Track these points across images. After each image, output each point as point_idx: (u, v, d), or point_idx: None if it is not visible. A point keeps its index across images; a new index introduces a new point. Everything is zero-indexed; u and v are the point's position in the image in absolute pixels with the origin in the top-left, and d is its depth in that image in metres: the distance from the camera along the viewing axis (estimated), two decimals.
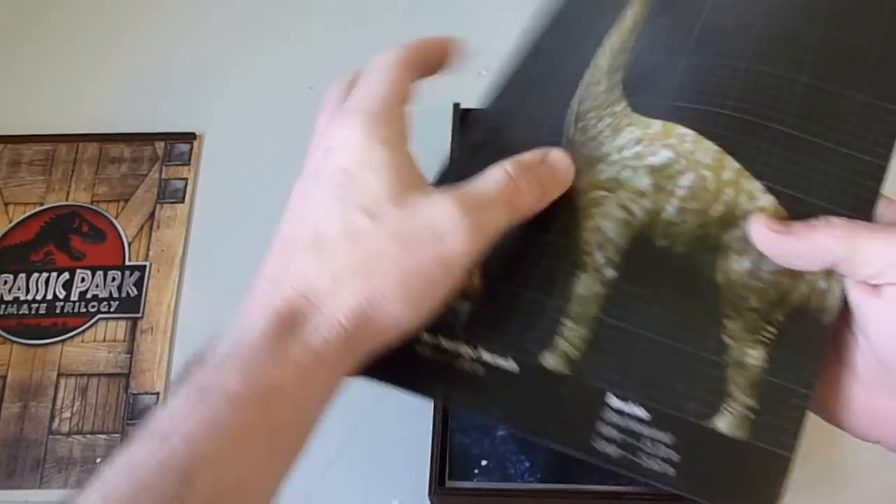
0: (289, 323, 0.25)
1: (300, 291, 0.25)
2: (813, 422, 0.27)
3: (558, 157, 0.29)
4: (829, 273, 0.27)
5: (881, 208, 0.28)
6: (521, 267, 0.30)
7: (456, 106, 0.56)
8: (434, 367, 0.29)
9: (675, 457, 0.27)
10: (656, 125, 0.31)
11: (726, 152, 0.29)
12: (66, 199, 0.63)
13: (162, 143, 0.65)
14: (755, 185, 0.29)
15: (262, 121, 0.66)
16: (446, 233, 0.25)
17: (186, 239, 0.62)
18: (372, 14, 0.70)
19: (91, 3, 0.71)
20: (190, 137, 0.65)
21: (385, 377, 0.28)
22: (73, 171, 0.64)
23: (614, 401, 0.28)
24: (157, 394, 0.58)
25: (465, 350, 0.29)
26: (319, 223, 0.26)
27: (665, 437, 0.27)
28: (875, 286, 0.26)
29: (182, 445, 0.22)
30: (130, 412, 0.57)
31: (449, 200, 0.26)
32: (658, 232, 0.29)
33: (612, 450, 0.27)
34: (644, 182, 0.30)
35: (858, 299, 0.26)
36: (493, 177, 0.27)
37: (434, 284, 0.26)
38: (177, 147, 0.65)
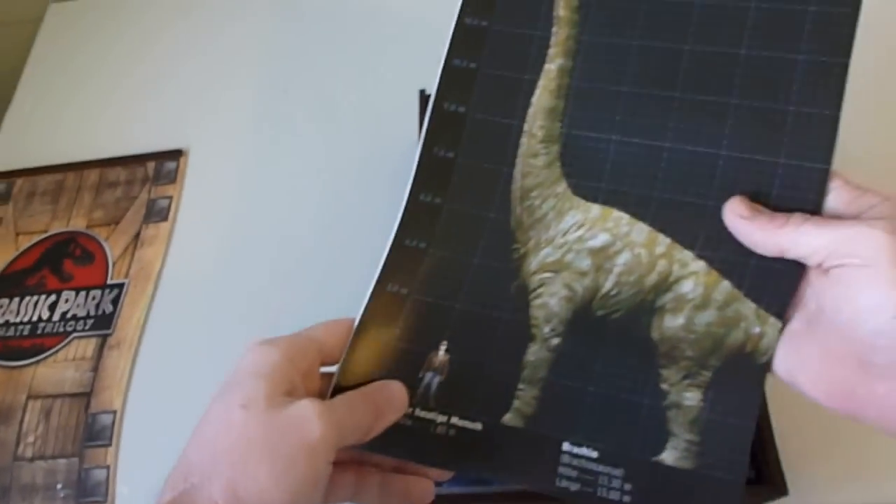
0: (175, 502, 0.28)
1: (183, 474, 0.28)
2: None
3: (395, 387, 0.33)
4: (764, 319, 0.31)
5: (837, 189, 0.31)
6: (481, 342, 0.34)
7: (422, 93, 0.54)
8: (413, 434, 0.33)
9: (628, 487, 0.31)
10: (595, 210, 0.34)
11: (657, 230, 0.33)
12: (67, 226, 0.64)
13: (152, 164, 0.64)
14: (686, 254, 0.33)
15: (241, 128, 0.64)
16: (308, 423, 0.29)
17: (165, 256, 0.60)
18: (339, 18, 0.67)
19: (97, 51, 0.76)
20: (177, 155, 0.64)
21: (374, 447, 0.32)
22: (76, 198, 0.65)
23: (568, 446, 0.32)
24: (115, 412, 0.54)
25: (439, 418, 0.33)
26: (208, 417, 0.30)
27: (617, 472, 0.31)
28: (825, 269, 0.29)
29: None
30: (88, 433, 0.54)
31: (310, 406, 0.29)
32: (597, 304, 0.34)
33: (573, 486, 0.32)
34: (585, 263, 0.34)
35: (815, 282, 0.30)
36: (345, 396, 0.32)
37: (299, 467, 0.28)
38: (165, 166, 0.64)
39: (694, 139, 0.33)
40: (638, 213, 0.34)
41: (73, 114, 0.71)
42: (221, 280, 0.58)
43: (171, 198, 0.62)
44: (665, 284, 0.33)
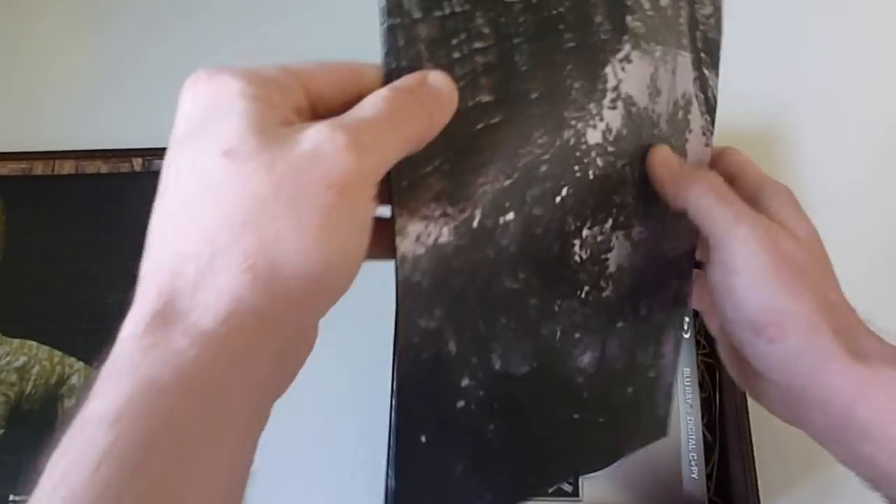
0: (165, 313, 0.20)
1: (172, 273, 0.20)
2: None
3: (438, 78, 0.25)
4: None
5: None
6: None
7: None
8: None
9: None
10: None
11: None
12: None
13: (139, 160, 0.63)
14: None
15: None
16: (329, 155, 0.21)
17: None
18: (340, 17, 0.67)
19: (69, 15, 0.70)
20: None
21: None
22: None
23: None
24: None
25: None
26: (174, 188, 0.22)
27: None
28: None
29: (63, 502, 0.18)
30: None
31: (324, 126, 0.21)
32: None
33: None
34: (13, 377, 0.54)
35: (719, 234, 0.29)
36: (370, 101, 0.23)
37: (333, 220, 0.21)
38: (155, 163, 0.63)
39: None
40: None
41: (48, 99, 0.66)
42: None
43: None
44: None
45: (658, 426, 0.39)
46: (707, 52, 0.32)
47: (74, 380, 0.55)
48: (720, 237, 0.28)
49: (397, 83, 0.24)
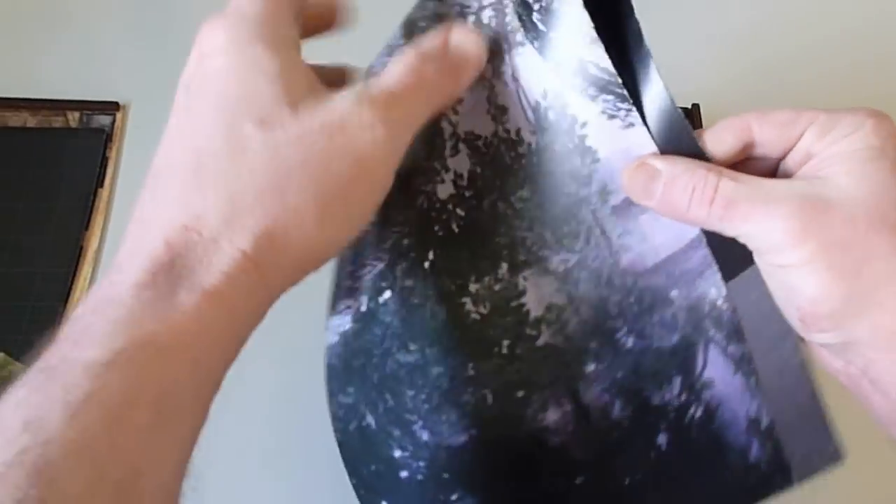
0: (172, 265, 0.20)
1: (185, 226, 0.21)
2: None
3: (462, 35, 0.25)
4: None
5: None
6: None
7: None
8: None
9: None
10: None
11: None
12: None
13: (77, 114, 0.53)
14: None
15: None
16: (356, 130, 0.22)
17: (104, 232, 0.50)
18: None
19: None
20: (112, 108, 0.54)
21: None
22: None
23: None
24: None
25: None
26: (201, 142, 0.22)
27: None
28: None
29: (31, 438, 0.17)
30: None
31: (352, 97, 0.22)
32: None
33: None
34: None
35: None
36: (395, 68, 0.24)
37: (353, 193, 0.22)
38: (95, 119, 0.53)
39: None
40: None
41: None
42: None
43: (107, 159, 0.52)
44: None
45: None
46: (553, 27, 0.25)
47: None
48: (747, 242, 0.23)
49: (423, 47, 0.24)
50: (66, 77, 0.54)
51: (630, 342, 0.27)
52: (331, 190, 0.21)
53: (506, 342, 0.28)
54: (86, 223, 0.50)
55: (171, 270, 0.20)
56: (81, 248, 0.49)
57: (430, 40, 0.24)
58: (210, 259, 0.20)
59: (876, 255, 0.21)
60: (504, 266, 0.28)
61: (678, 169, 0.23)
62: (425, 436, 0.29)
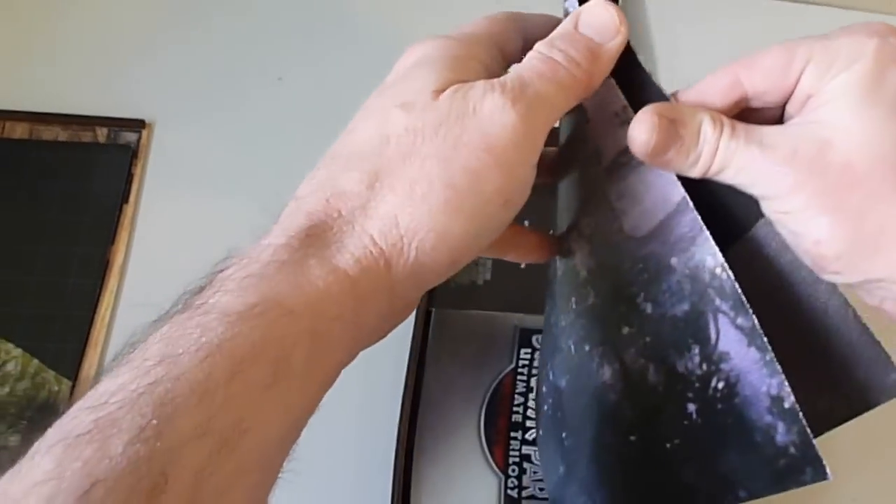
0: (309, 235, 0.21)
1: (329, 201, 0.22)
2: None
3: (595, 12, 0.24)
4: None
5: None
6: None
7: None
8: None
9: None
10: None
11: None
12: None
13: (105, 130, 0.56)
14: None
15: (224, 112, 0.58)
16: (486, 115, 0.21)
17: (128, 247, 0.54)
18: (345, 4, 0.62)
19: None
20: (138, 125, 0.57)
21: None
22: None
23: None
24: None
25: None
26: (357, 127, 0.23)
27: None
28: None
29: (164, 372, 0.18)
30: None
31: (485, 86, 0.22)
32: None
33: None
34: None
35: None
36: (527, 62, 0.23)
37: (486, 186, 0.21)
38: (122, 136, 0.56)
39: None
40: None
41: (4, 51, 0.58)
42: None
43: (132, 175, 0.55)
44: None
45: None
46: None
47: (10, 367, 0.49)
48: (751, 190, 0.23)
49: (555, 34, 0.24)
50: (96, 95, 0.57)
51: (649, 308, 0.26)
52: (461, 178, 0.21)
53: (573, 298, 0.29)
54: (111, 238, 0.53)
55: (307, 239, 0.21)
56: (107, 261, 0.52)
57: (564, 26, 0.24)
58: (343, 239, 0.21)
59: (879, 196, 0.20)
60: (562, 229, 0.29)
61: (677, 114, 0.22)
62: (550, 375, 0.33)
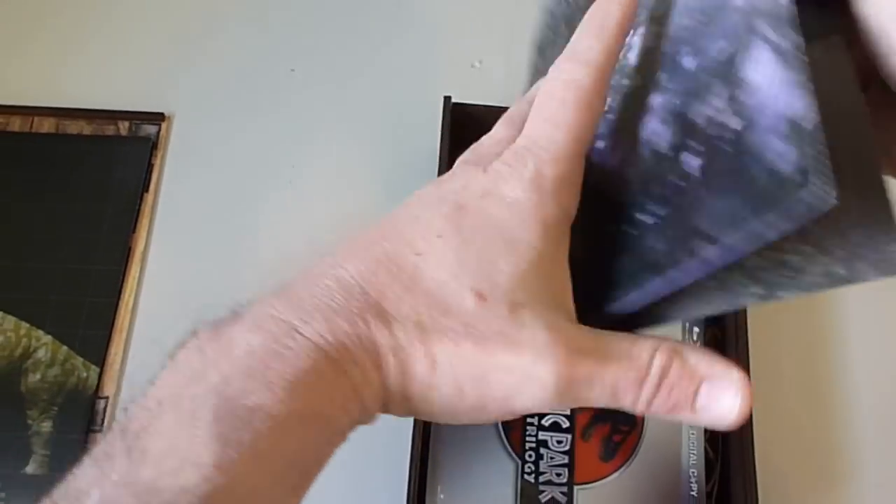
0: (336, 362, 0.20)
1: (366, 331, 0.20)
2: None
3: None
4: None
5: None
6: None
7: (447, 99, 0.51)
8: None
9: None
10: None
11: None
12: None
13: (126, 123, 0.58)
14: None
15: (240, 104, 0.59)
16: (527, 374, 0.20)
17: (149, 234, 0.55)
18: None
19: None
20: (158, 118, 0.59)
21: None
22: None
23: None
24: (107, 398, 0.51)
25: None
26: (425, 265, 0.21)
27: None
28: None
29: (223, 481, 0.17)
30: None
31: (558, 336, 0.20)
32: None
33: None
34: None
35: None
36: (637, 353, 0.22)
37: (484, 415, 0.21)
38: (143, 128, 0.58)
39: None
40: None
41: (33, 50, 0.61)
42: (217, 270, 0.56)
43: (152, 166, 0.57)
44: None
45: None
46: None
47: (41, 353, 0.51)
48: None
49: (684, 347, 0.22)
50: (119, 89, 0.59)
51: (690, 62, 0.24)
52: (467, 398, 0.21)
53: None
54: (133, 226, 0.55)
55: (332, 363, 0.20)
56: (129, 248, 0.54)
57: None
58: (360, 382, 0.20)
59: None
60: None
61: None
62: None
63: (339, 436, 0.21)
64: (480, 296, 0.20)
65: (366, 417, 0.21)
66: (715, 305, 0.23)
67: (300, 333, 0.19)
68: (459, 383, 0.20)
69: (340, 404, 0.20)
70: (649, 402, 0.21)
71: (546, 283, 0.21)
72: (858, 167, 0.20)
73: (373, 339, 0.20)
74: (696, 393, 0.21)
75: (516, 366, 0.20)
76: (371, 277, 0.21)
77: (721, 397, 0.21)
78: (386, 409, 0.21)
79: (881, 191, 0.20)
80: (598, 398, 0.21)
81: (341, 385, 0.19)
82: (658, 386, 0.21)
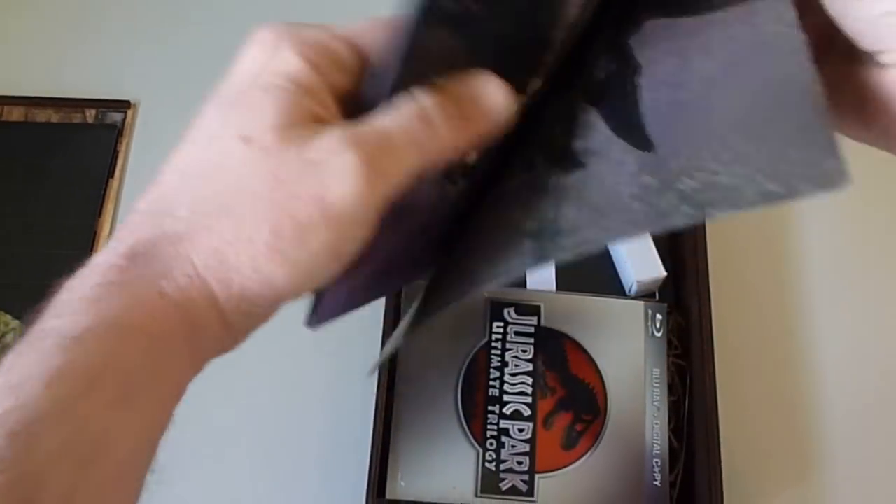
0: (137, 255, 0.20)
1: (159, 222, 0.21)
2: None
3: (492, 88, 0.22)
4: None
5: None
6: None
7: None
8: None
9: None
10: None
11: None
12: None
13: (93, 111, 0.59)
14: None
15: (205, 92, 0.59)
16: (331, 173, 0.20)
17: (114, 219, 0.56)
18: None
19: None
20: (123, 105, 0.59)
21: None
22: None
23: None
24: None
25: None
26: (194, 144, 0.22)
27: None
28: None
29: (13, 401, 0.18)
30: None
31: (339, 136, 0.20)
32: None
33: None
34: None
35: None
36: (400, 109, 0.21)
37: (312, 237, 0.20)
38: (109, 115, 0.59)
39: None
40: None
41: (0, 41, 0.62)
42: None
43: (117, 152, 0.58)
44: None
45: None
46: None
47: (10, 338, 0.52)
48: None
49: (443, 88, 0.22)
50: (85, 78, 0.60)
51: None
52: (286, 225, 0.20)
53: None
54: (99, 211, 0.55)
55: (135, 259, 0.20)
56: (95, 233, 0.55)
57: (454, 84, 0.22)
58: (170, 263, 0.20)
59: None
60: None
61: None
62: None
63: (160, 342, 0.21)
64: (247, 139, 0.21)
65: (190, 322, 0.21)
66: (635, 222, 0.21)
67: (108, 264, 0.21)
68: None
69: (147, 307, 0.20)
70: (448, 127, 0.21)
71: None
72: None
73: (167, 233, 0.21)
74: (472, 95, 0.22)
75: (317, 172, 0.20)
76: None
77: (486, 89, 0.22)
78: (214, 303, 0.21)
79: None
80: (406, 159, 0.21)
81: (140, 289, 0.20)
82: (442, 106, 0.21)
